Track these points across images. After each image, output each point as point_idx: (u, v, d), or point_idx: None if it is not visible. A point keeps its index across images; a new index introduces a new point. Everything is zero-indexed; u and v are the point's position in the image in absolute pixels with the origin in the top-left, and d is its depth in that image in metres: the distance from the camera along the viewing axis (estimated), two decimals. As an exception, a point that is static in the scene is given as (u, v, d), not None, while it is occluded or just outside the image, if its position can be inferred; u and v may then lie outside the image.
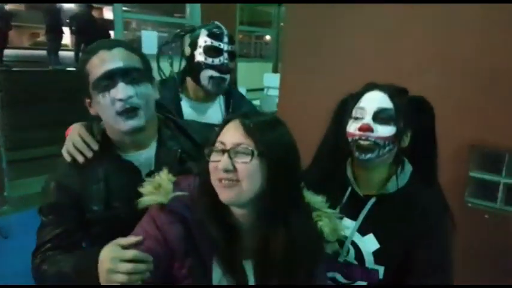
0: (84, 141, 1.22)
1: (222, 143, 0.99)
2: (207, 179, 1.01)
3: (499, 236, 2.15)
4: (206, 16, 4.81)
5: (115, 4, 4.21)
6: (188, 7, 4.87)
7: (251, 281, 1.05)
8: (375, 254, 1.25)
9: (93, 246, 1.21)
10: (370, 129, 1.21)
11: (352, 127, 1.26)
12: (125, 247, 0.91)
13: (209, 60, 1.77)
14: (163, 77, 1.97)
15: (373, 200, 1.29)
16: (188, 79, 1.90)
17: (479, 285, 2.02)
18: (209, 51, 1.77)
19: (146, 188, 1.05)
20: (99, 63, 1.15)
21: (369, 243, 1.26)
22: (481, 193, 2.34)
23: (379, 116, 1.22)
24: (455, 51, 2.30)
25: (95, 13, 11.18)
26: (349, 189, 1.32)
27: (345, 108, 1.33)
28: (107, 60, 1.15)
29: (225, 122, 1.03)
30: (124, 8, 4.40)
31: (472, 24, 2.25)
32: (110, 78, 1.14)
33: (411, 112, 1.26)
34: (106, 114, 1.18)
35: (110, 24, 7.50)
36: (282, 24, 6.36)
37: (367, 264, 1.26)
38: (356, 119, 1.26)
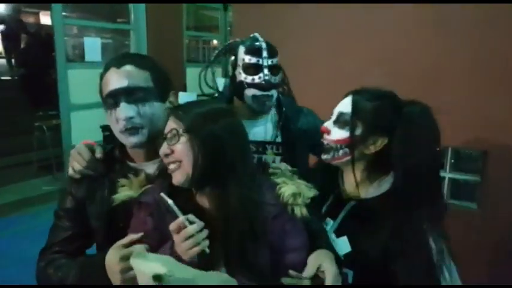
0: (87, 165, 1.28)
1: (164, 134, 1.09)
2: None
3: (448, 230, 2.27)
4: (151, 21, 4.70)
5: (53, 9, 3.99)
6: (132, 12, 4.73)
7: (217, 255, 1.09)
8: (345, 256, 1.23)
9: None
10: (327, 132, 1.26)
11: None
12: (127, 245, 1.05)
13: (249, 79, 1.62)
14: (207, 93, 1.86)
15: (351, 203, 1.29)
16: (235, 98, 1.77)
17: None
18: (248, 69, 1.63)
19: (121, 181, 1.19)
20: (108, 81, 1.20)
21: (342, 246, 1.25)
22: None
23: (338, 120, 1.26)
24: (396, 52, 2.41)
25: (30, 19, 10.63)
26: (335, 191, 1.36)
27: None
28: (114, 79, 1.18)
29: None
30: (64, 13, 4.19)
31: (411, 24, 2.37)
32: (114, 98, 1.18)
33: (387, 118, 1.22)
34: (113, 129, 1.24)
35: (48, 30, 7.10)
36: (229, 28, 6.38)
37: None
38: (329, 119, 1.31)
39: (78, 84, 4.17)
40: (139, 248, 1.03)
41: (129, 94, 1.18)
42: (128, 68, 1.20)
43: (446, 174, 2.39)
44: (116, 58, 1.26)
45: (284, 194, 1.12)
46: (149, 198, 1.14)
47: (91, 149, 1.30)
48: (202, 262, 1.02)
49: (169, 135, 1.07)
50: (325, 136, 1.26)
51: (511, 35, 2.11)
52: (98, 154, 1.28)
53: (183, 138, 1.06)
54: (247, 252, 1.06)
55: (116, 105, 1.18)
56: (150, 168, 1.29)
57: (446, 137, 2.30)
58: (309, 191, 1.16)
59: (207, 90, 1.86)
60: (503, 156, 2.21)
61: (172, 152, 1.06)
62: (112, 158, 1.32)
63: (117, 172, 1.27)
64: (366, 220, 1.23)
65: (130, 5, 4.74)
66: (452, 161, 2.39)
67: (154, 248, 1.07)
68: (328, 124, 1.27)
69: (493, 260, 2.23)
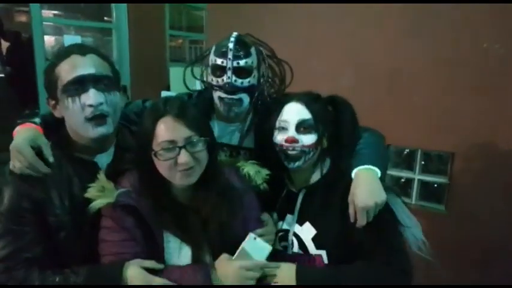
0: (32, 165, 1.17)
1: (172, 141, 1.12)
2: (153, 173, 1.17)
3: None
4: (133, 20, 4.67)
5: (32, 6, 3.94)
6: (114, 11, 4.69)
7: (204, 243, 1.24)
8: (314, 239, 1.35)
9: (57, 254, 1.20)
10: (295, 141, 1.32)
11: (279, 138, 1.37)
12: (149, 271, 1.13)
13: (215, 81, 1.55)
14: (191, 89, 1.78)
15: (303, 192, 1.41)
16: None
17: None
18: (214, 70, 1.56)
19: (91, 192, 1.17)
20: (70, 68, 1.16)
21: (307, 231, 1.36)
22: (398, 190, 2.48)
23: (301, 127, 1.34)
24: (366, 54, 2.44)
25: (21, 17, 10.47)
26: (285, 189, 1.45)
27: (268, 119, 1.43)
28: (79, 66, 1.16)
29: (155, 120, 1.14)
30: (44, 11, 4.14)
31: (381, 26, 2.41)
32: (81, 84, 1.16)
33: (328, 114, 1.41)
34: (74, 119, 1.19)
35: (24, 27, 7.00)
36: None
37: (310, 252, 1.36)
38: (281, 130, 1.37)
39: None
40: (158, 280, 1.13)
41: (97, 81, 1.17)
42: (93, 56, 1.20)
43: (416, 176, 2.43)
44: (72, 47, 1.23)
45: (249, 173, 1.35)
46: (129, 200, 1.18)
47: (34, 145, 1.19)
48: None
49: (193, 142, 1.15)
50: (295, 145, 1.33)
51: (482, 36, 2.16)
52: (50, 158, 1.20)
53: (201, 145, 1.16)
54: (227, 232, 1.23)
55: (82, 91, 1.15)
56: (103, 159, 1.29)
57: (416, 138, 2.35)
58: (265, 170, 1.37)
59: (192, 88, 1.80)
60: (471, 158, 2.25)
61: (193, 159, 1.14)
62: (58, 151, 1.24)
63: (74, 165, 1.24)
64: (319, 201, 1.37)
65: (112, 4, 4.70)
66: (422, 162, 2.42)
67: (139, 247, 1.18)
68: (293, 134, 1.33)
69: (460, 261, 2.26)
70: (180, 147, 1.12)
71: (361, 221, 1.23)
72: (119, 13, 4.69)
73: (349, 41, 2.50)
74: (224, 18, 2.88)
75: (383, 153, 1.41)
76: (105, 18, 4.96)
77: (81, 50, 1.20)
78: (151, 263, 1.15)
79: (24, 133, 1.21)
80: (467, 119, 2.21)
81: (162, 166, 1.15)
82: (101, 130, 1.19)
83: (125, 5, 4.64)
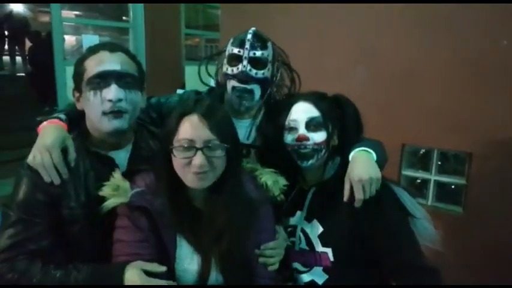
0: (55, 167, 1.18)
1: (191, 140, 1.10)
2: (171, 171, 1.15)
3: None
4: (149, 19, 4.71)
5: (52, 6, 4.02)
6: (131, 10, 4.76)
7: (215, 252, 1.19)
8: (321, 237, 1.37)
9: (68, 247, 1.23)
10: (306, 138, 1.34)
11: (289, 138, 1.38)
12: (150, 274, 1.10)
13: (230, 70, 1.55)
14: (208, 85, 1.81)
15: (313, 189, 1.43)
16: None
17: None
18: (231, 60, 1.56)
19: (106, 191, 1.15)
20: (97, 62, 1.20)
21: (315, 228, 1.38)
22: (413, 190, 2.44)
23: (311, 124, 1.35)
24: (379, 51, 2.40)
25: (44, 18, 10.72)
26: (297, 186, 1.45)
27: (277, 120, 1.44)
28: (106, 61, 1.20)
29: (181, 116, 1.13)
30: (64, 11, 4.23)
31: (395, 23, 2.36)
32: (105, 78, 1.19)
33: (335, 112, 1.41)
34: (93, 112, 1.22)
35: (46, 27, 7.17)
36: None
37: (317, 249, 1.37)
38: (291, 129, 1.38)
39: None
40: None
41: (120, 77, 1.21)
42: (121, 54, 1.24)
43: (432, 177, 2.37)
44: (103, 44, 1.28)
45: (267, 183, 1.29)
46: (143, 201, 1.15)
47: (64, 147, 1.21)
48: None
49: (212, 146, 1.11)
50: (306, 143, 1.34)
51: (499, 34, 2.10)
52: (72, 163, 1.22)
53: (220, 151, 1.13)
54: (239, 243, 1.19)
55: (104, 86, 1.19)
56: (121, 156, 1.30)
57: (432, 138, 2.30)
58: (282, 179, 1.32)
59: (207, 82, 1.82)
60: (489, 159, 2.19)
61: (209, 163, 1.11)
62: (79, 143, 1.27)
63: (91, 160, 1.26)
64: (328, 198, 1.37)
65: (129, 3, 4.77)
66: (439, 163, 2.37)
67: (153, 249, 1.16)
68: (303, 132, 1.34)
69: (478, 265, 2.21)
70: (197, 149, 1.10)
71: (359, 195, 1.24)
72: (136, 13, 4.76)
73: (360, 39, 2.46)
74: (237, 17, 2.88)
75: (380, 149, 1.40)
76: (124, 18, 5.03)
77: (111, 47, 1.25)
78: (153, 266, 1.12)
79: (54, 131, 1.23)
80: (486, 118, 2.14)
81: (177, 164, 1.13)
82: (115, 123, 1.20)
83: (141, 5, 4.71)
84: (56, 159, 1.17)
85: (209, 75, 1.77)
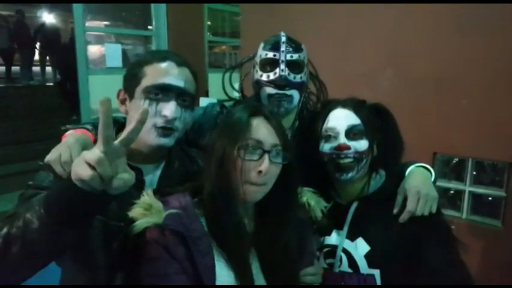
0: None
1: (259, 141, 0.99)
2: (230, 177, 0.99)
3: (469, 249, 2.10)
4: (172, 27, 4.72)
5: (75, 16, 4.08)
6: (154, 19, 4.79)
7: (259, 280, 1.04)
8: (367, 257, 1.23)
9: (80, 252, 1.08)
10: (347, 147, 1.22)
11: (326, 147, 1.26)
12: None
13: (265, 76, 1.43)
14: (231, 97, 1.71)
15: (355, 204, 1.29)
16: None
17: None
18: (265, 65, 1.44)
19: (137, 210, 0.98)
20: (161, 72, 1.12)
21: (360, 248, 1.24)
22: (446, 202, 2.28)
23: (352, 133, 1.24)
24: (410, 54, 2.27)
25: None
26: (332, 202, 1.29)
27: (312, 129, 1.32)
28: (171, 74, 1.12)
29: (250, 115, 1.02)
30: (88, 22, 4.28)
31: (430, 26, 2.22)
32: (166, 92, 1.12)
33: (375, 121, 1.29)
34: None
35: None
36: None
37: (362, 271, 1.23)
38: (328, 138, 1.26)
39: (99, 90, 4.23)
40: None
41: (181, 95, 1.14)
42: (186, 70, 1.17)
43: (467, 188, 2.21)
44: (171, 54, 1.19)
45: (310, 203, 1.18)
46: (179, 226, 0.98)
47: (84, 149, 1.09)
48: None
49: (277, 152, 1.00)
50: (347, 152, 1.23)
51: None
52: None
53: (281, 159, 1.01)
54: (289, 265, 1.07)
55: (163, 100, 1.11)
56: (152, 171, 1.20)
57: (466, 146, 2.15)
58: (323, 200, 1.22)
59: (231, 94, 1.71)
60: (530, 169, 2.02)
61: (271, 170, 0.99)
62: None
63: None
64: (374, 214, 1.25)
65: (152, 11, 4.80)
66: (474, 173, 2.21)
67: (189, 282, 0.95)
68: (344, 141, 1.23)
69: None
70: (265, 151, 0.99)
71: (411, 207, 1.17)
72: (159, 21, 4.79)
73: (389, 41, 2.34)
74: (258, 21, 2.81)
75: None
76: (149, 27, 5.06)
77: (178, 60, 1.16)
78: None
79: (77, 136, 1.16)
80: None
81: (239, 168, 0.98)
82: (163, 141, 1.13)
83: (164, 13, 4.73)
84: (74, 155, 1.05)
85: (232, 87, 1.67)
